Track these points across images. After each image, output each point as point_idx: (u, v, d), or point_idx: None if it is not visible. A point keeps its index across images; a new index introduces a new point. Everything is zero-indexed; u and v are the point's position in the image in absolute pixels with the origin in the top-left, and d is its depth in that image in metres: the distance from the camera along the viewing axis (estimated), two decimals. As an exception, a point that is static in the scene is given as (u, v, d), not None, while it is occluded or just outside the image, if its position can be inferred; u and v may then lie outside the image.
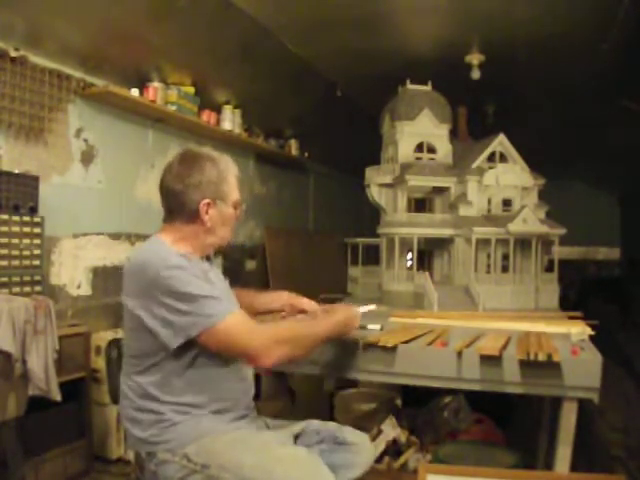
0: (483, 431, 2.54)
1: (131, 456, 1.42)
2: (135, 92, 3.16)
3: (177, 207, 1.46)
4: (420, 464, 1.46)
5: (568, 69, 3.88)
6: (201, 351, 1.36)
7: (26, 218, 2.55)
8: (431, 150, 3.26)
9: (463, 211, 3.05)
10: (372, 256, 3.66)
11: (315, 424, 1.50)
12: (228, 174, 1.51)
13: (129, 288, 1.40)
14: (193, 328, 1.31)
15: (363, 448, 1.49)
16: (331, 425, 1.55)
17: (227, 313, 1.34)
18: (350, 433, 1.52)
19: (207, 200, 1.45)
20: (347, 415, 2.68)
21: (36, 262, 2.59)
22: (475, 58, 3.59)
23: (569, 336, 1.81)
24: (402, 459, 2.35)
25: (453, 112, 3.38)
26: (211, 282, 1.44)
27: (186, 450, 1.30)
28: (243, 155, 4.64)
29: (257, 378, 1.77)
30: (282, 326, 1.52)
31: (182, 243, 1.47)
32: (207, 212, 1.45)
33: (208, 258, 1.56)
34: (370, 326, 2.03)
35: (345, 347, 1.79)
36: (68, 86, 2.88)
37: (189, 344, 1.34)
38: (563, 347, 1.68)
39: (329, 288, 3.80)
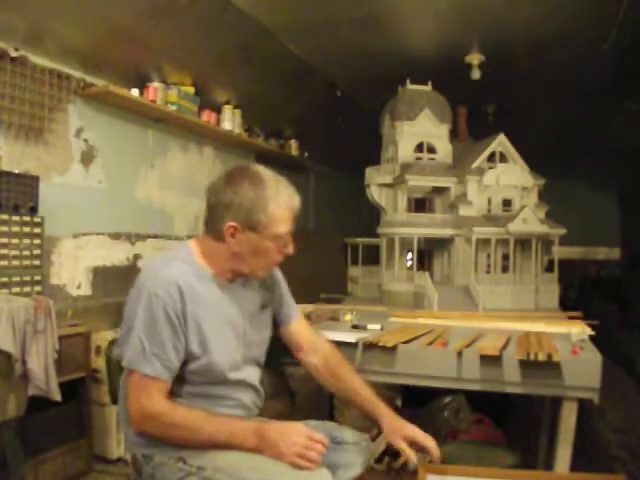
0: (483, 431, 2.54)
1: (128, 458, 1.42)
2: (135, 92, 3.16)
3: (208, 221, 1.36)
4: (420, 464, 1.46)
5: (568, 69, 3.88)
6: (188, 373, 1.33)
7: (26, 218, 2.55)
8: (431, 150, 3.26)
9: (463, 211, 3.05)
10: (372, 256, 3.66)
11: (313, 424, 1.49)
12: (270, 203, 1.30)
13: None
14: (120, 353, 1.32)
15: (362, 448, 1.49)
16: (329, 424, 1.55)
17: (139, 368, 1.25)
18: (349, 432, 1.52)
19: (233, 224, 1.30)
20: (347, 415, 2.68)
21: (36, 262, 2.59)
22: (475, 58, 3.59)
23: (569, 336, 1.81)
24: (402, 459, 2.34)
25: (453, 112, 3.38)
26: (194, 324, 1.30)
27: (182, 453, 1.30)
28: (243, 155, 4.64)
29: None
30: (175, 411, 1.26)
31: (210, 258, 1.37)
32: (233, 236, 1.31)
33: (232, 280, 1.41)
34: (370, 326, 2.03)
35: (345, 347, 1.79)
36: (68, 86, 2.88)
37: None
38: (563, 347, 1.68)
39: (329, 288, 3.81)
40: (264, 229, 1.31)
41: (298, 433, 1.24)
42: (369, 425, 2.40)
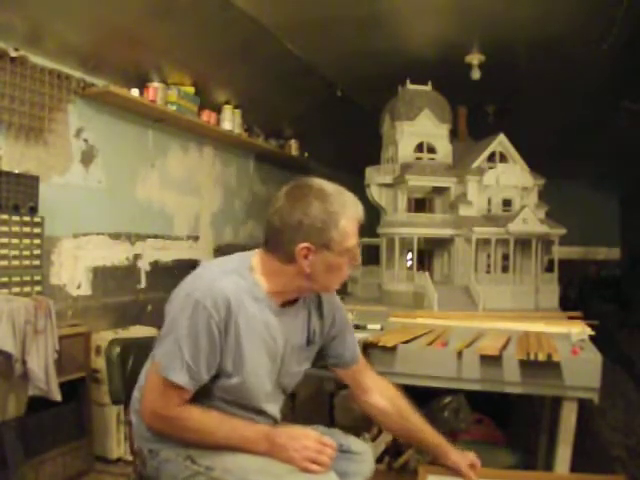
0: (483, 431, 2.54)
1: (134, 449, 1.41)
2: (135, 92, 3.16)
3: (274, 243, 1.29)
4: (420, 464, 1.47)
5: (568, 69, 3.87)
6: (216, 388, 1.31)
7: (26, 218, 2.55)
8: (431, 150, 3.26)
9: (463, 211, 3.05)
10: (372, 256, 3.65)
11: (321, 430, 1.47)
12: (341, 218, 1.25)
13: None
14: (154, 349, 1.30)
15: (366, 458, 1.49)
16: (336, 432, 1.53)
17: (168, 373, 1.22)
18: (354, 442, 1.51)
19: (306, 244, 1.24)
20: (347, 415, 2.68)
21: (36, 262, 2.59)
22: (475, 58, 3.59)
23: (569, 336, 1.81)
24: (402, 459, 2.34)
25: (453, 112, 3.38)
26: (241, 342, 1.26)
27: (190, 451, 1.30)
28: (243, 155, 4.64)
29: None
30: (189, 414, 1.25)
31: (272, 278, 1.31)
32: (306, 257, 1.26)
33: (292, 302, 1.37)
34: (370, 326, 2.03)
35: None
36: (68, 86, 2.88)
37: None
38: (563, 347, 1.68)
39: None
40: (337, 245, 1.27)
41: (308, 437, 1.24)
42: (369, 425, 2.40)
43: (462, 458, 1.52)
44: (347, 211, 1.27)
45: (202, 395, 1.30)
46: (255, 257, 1.34)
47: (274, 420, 1.41)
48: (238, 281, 1.28)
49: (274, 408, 1.41)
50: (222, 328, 1.24)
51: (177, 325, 1.24)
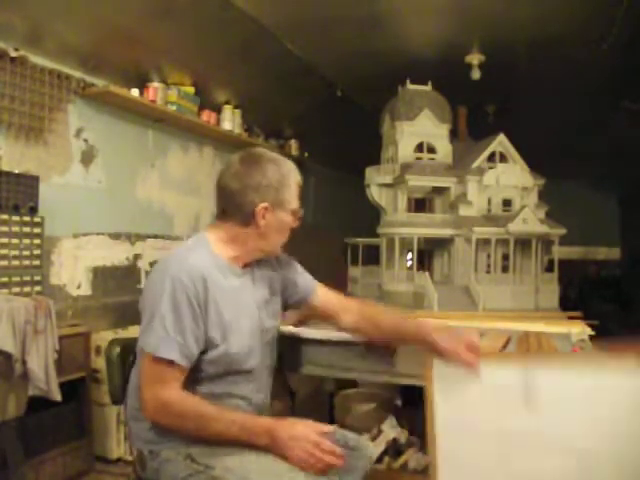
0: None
1: (134, 452, 1.41)
2: (135, 92, 3.16)
3: (232, 208, 1.39)
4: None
5: (568, 69, 3.88)
6: (206, 363, 1.34)
7: (26, 218, 2.55)
8: (431, 150, 3.27)
9: (463, 211, 3.05)
10: (372, 256, 3.65)
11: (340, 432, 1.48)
12: (290, 180, 1.41)
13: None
14: (139, 338, 1.32)
15: (364, 454, 1.49)
16: (333, 428, 1.53)
17: (161, 353, 1.25)
18: (352, 438, 1.51)
19: (265, 204, 1.37)
20: (347, 415, 2.68)
21: (36, 262, 2.59)
22: (475, 58, 3.59)
23: (569, 336, 1.81)
24: (402, 459, 2.34)
25: (453, 112, 3.38)
26: (220, 310, 1.33)
27: (190, 450, 1.30)
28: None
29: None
30: (189, 402, 1.28)
31: (230, 246, 1.41)
32: (264, 217, 1.38)
33: (251, 265, 1.46)
34: None
35: (345, 347, 1.79)
36: (68, 86, 2.88)
37: None
38: (563, 347, 1.67)
39: (329, 288, 3.80)
40: (288, 205, 1.41)
41: (308, 440, 1.23)
42: (369, 425, 2.40)
43: (455, 342, 1.33)
44: (293, 175, 1.43)
45: (193, 377, 1.32)
46: (208, 232, 1.43)
47: (268, 376, 1.49)
48: (202, 255, 1.36)
49: (263, 364, 1.46)
50: (201, 301, 1.30)
51: (158, 307, 1.28)
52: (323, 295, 1.66)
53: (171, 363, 1.26)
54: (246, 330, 1.40)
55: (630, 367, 1.15)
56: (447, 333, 1.37)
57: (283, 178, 1.40)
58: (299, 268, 1.67)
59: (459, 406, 1.29)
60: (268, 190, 1.37)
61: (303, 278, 1.65)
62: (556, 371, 1.24)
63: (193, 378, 1.33)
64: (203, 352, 1.33)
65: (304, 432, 1.25)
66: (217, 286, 1.34)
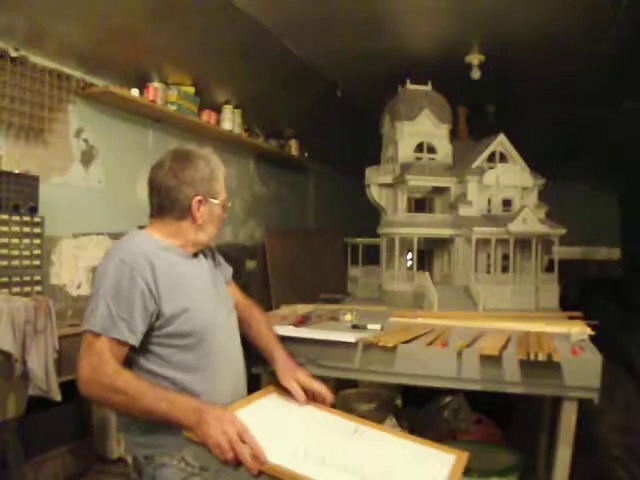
0: (483, 431, 2.54)
1: (129, 460, 1.41)
2: (135, 92, 3.16)
3: (169, 203, 1.45)
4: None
5: (568, 69, 3.88)
6: (169, 337, 1.36)
7: (26, 218, 2.55)
8: (431, 150, 3.26)
9: (463, 211, 3.05)
10: (372, 256, 3.65)
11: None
12: (219, 172, 1.51)
13: None
14: (83, 321, 1.33)
15: None
16: None
17: (105, 332, 1.27)
18: None
19: (199, 197, 1.45)
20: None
21: (36, 262, 2.59)
22: (475, 58, 3.59)
23: (569, 336, 1.81)
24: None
25: (453, 112, 3.38)
26: (175, 289, 1.37)
27: (184, 453, 1.30)
28: (243, 155, 4.64)
29: (257, 378, 1.78)
30: (122, 376, 1.26)
31: (172, 239, 1.46)
32: (199, 209, 1.45)
33: (196, 255, 1.54)
34: (370, 326, 2.03)
35: (345, 347, 1.79)
36: (68, 86, 2.88)
37: (143, 342, 1.34)
38: (563, 347, 1.67)
39: (329, 288, 3.80)
40: (217, 195, 1.50)
41: (232, 424, 1.19)
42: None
43: (287, 370, 1.52)
44: (220, 167, 1.53)
45: (164, 355, 1.35)
46: (147, 229, 1.48)
47: (233, 334, 1.54)
48: (142, 240, 1.43)
49: (229, 333, 1.52)
50: (149, 278, 1.33)
51: (101, 288, 1.31)
52: (232, 287, 1.74)
53: (115, 341, 1.27)
54: (210, 302, 1.47)
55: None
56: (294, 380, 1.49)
57: (212, 172, 1.49)
58: (221, 258, 1.74)
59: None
60: (200, 184, 1.46)
61: (226, 264, 1.73)
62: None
63: (164, 352, 1.35)
64: (163, 326, 1.35)
65: (231, 417, 1.22)
66: (165, 264, 1.38)
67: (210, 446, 1.17)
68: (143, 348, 1.34)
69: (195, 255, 1.53)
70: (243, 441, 1.16)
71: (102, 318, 1.28)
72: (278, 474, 1.12)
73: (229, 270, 1.72)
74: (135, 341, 1.30)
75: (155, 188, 1.48)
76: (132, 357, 1.34)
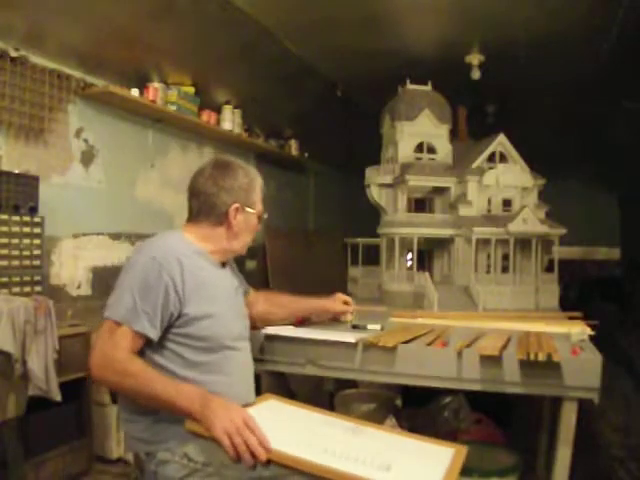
0: (483, 431, 2.54)
1: (130, 457, 1.42)
2: (135, 92, 3.17)
3: (207, 208, 1.50)
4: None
5: (568, 69, 3.88)
6: (190, 338, 1.38)
7: (26, 218, 2.55)
8: (431, 150, 3.26)
9: (463, 211, 3.05)
10: (372, 256, 3.65)
11: None
12: (256, 184, 1.58)
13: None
14: (106, 310, 1.35)
15: None
16: None
17: (128, 323, 1.30)
18: None
19: (237, 205, 1.50)
20: (347, 415, 2.68)
21: (36, 262, 2.59)
22: (475, 58, 3.59)
23: (569, 336, 1.81)
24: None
25: (453, 112, 3.38)
26: (201, 295, 1.40)
27: (186, 449, 1.30)
28: (243, 155, 4.64)
29: (257, 377, 1.78)
30: (135, 362, 1.29)
31: (205, 243, 1.50)
32: (235, 217, 1.50)
33: (224, 264, 1.58)
34: (370, 326, 2.03)
35: (345, 347, 1.79)
36: (68, 86, 2.88)
37: (162, 338, 1.36)
38: (563, 347, 1.67)
39: (329, 288, 3.80)
40: (255, 206, 1.57)
41: (238, 413, 1.18)
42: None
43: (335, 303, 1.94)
44: (258, 180, 1.60)
45: (179, 352, 1.37)
46: (184, 231, 1.52)
47: (245, 353, 1.56)
48: (176, 240, 1.47)
49: (244, 345, 1.55)
50: (176, 278, 1.35)
51: (129, 280, 1.34)
52: (254, 296, 1.84)
53: (135, 333, 1.30)
54: (231, 311, 1.51)
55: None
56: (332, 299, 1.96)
57: (251, 182, 1.56)
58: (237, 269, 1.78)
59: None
60: (239, 192, 1.52)
61: (241, 277, 1.78)
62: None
63: (180, 349, 1.37)
64: (184, 325, 1.37)
65: (237, 406, 1.22)
66: (194, 267, 1.41)
67: (216, 434, 1.15)
68: (159, 344, 1.36)
69: (223, 265, 1.57)
70: (252, 430, 1.16)
71: (126, 309, 1.31)
72: (285, 460, 1.13)
73: (244, 282, 1.78)
74: (155, 335, 1.33)
75: (195, 194, 1.52)
76: (146, 352, 1.36)
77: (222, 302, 1.48)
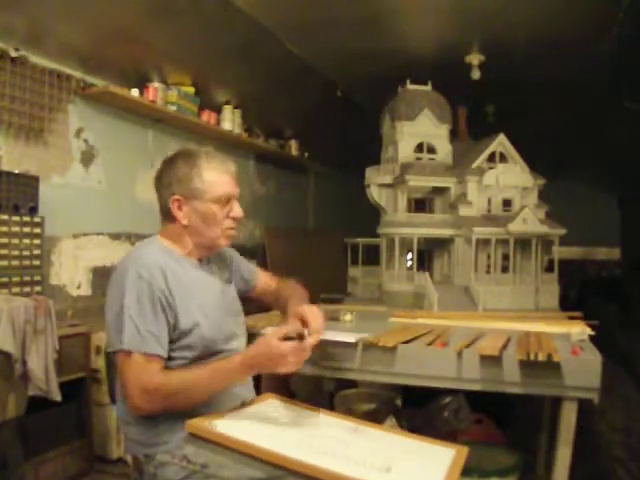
0: (483, 431, 2.54)
1: (129, 459, 1.41)
2: (135, 92, 3.16)
3: (160, 208, 1.49)
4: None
5: (568, 69, 3.87)
6: (181, 349, 1.37)
7: (26, 218, 2.55)
8: (431, 150, 3.26)
9: (463, 211, 3.05)
10: (372, 256, 3.65)
11: None
12: (204, 170, 1.43)
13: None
14: (110, 343, 1.34)
15: None
16: None
17: (137, 349, 1.29)
18: None
19: (176, 197, 1.42)
20: (347, 415, 2.68)
21: (36, 262, 2.59)
22: (475, 58, 3.59)
23: (569, 336, 1.81)
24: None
25: (453, 112, 3.38)
26: (185, 297, 1.38)
27: (185, 451, 1.30)
28: (243, 155, 4.64)
29: (257, 378, 1.78)
30: (172, 377, 1.30)
31: (175, 243, 1.47)
32: (179, 209, 1.43)
33: (201, 260, 1.52)
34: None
35: (345, 347, 1.79)
36: (68, 86, 2.88)
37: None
38: (563, 347, 1.67)
39: (329, 288, 3.80)
40: (203, 194, 1.42)
41: (277, 348, 1.27)
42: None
43: (307, 312, 1.46)
44: (210, 164, 1.44)
45: (171, 363, 1.35)
46: (158, 235, 1.51)
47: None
48: (154, 250, 1.44)
49: (238, 344, 1.52)
50: (165, 291, 1.35)
51: (123, 306, 1.31)
52: (266, 278, 1.79)
53: (149, 356, 1.29)
54: (218, 313, 1.46)
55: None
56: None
57: (192, 169, 1.42)
58: (239, 256, 1.74)
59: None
60: (177, 184, 1.42)
61: (247, 264, 1.75)
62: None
63: (173, 364, 1.36)
64: (177, 339, 1.36)
65: (268, 345, 1.28)
66: (177, 276, 1.39)
67: (288, 371, 1.29)
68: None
69: (200, 260, 1.51)
70: (292, 349, 1.27)
71: (130, 336, 1.29)
72: (284, 462, 1.16)
73: (250, 268, 1.74)
74: (164, 353, 1.33)
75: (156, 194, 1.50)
76: None
77: (208, 305, 1.44)
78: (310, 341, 1.33)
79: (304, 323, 1.42)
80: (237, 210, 1.48)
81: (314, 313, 1.45)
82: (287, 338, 1.30)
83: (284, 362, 1.29)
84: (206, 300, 1.45)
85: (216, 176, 1.44)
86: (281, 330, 1.32)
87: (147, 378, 1.28)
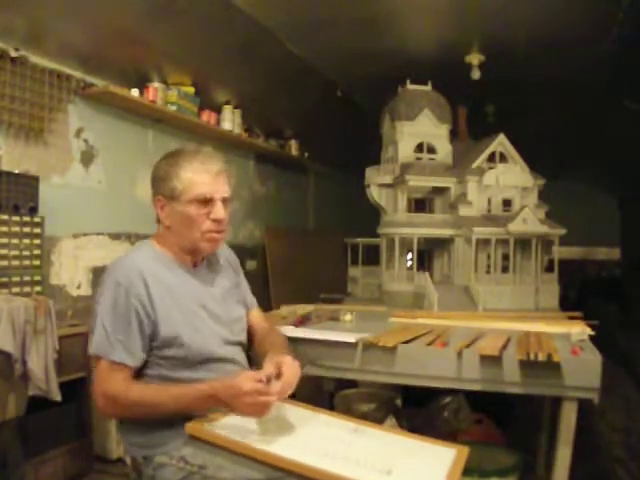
0: (483, 431, 2.54)
1: (128, 461, 1.42)
2: (135, 92, 3.16)
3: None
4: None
5: (568, 69, 3.87)
6: (167, 358, 1.36)
7: (26, 218, 2.55)
8: (431, 150, 3.26)
9: (463, 211, 3.05)
10: (372, 256, 3.65)
11: None
12: (182, 170, 1.38)
13: None
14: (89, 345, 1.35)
15: None
16: None
17: (103, 355, 1.30)
18: None
19: (158, 197, 1.41)
20: (347, 415, 2.68)
21: (36, 262, 2.59)
22: (475, 58, 3.59)
23: (569, 336, 1.81)
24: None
25: (453, 112, 3.38)
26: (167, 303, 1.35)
27: (183, 452, 1.30)
28: (243, 155, 4.64)
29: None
30: (133, 390, 1.29)
31: (165, 244, 1.45)
32: (162, 209, 1.41)
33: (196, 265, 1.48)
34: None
35: (345, 347, 1.79)
36: (68, 86, 2.88)
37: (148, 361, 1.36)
38: (563, 347, 1.67)
39: (329, 288, 3.80)
40: (181, 194, 1.37)
41: (248, 392, 1.22)
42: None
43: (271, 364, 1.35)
44: (191, 164, 1.39)
45: (156, 370, 1.35)
46: (152, 236, 1.48)
47: (235, 363, 1.47)
48: (143, 252, 1.41)
49: (237, 356, 1.48)
50: (144, 299, 1.32)
51: (100, 311, 1.32)
52: (258, 313, 1.70)
53: (115, 364, 1.29)
54: (206, 323, 1.41)
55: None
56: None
57: (170, 169, 1.39)
58: (246, 284, 1.70)
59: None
60: (159, 184, 1.41)
61: (247, 287, 1.70)
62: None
63: (159, 369, 1.36)
64: (160, 347, 1.34)
65: (240, 386, 1.22)
66: (162, 281, 1.36)
67: (243, 416, 1.26)
68: (148, 364, 1.36)
69: (195, 265, 1.47)
70: (261, 393, 1.22)
71: (99, 341, 1.30)
72: (284, 464, 1.16)
73: (252, 301, 1.69)
74: (133, 362, 1.31)
75: None
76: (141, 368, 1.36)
77: (196, 312, 1.40)
78: (275, 387, 1.26)
79: (279, 374, 1.32)
80: (218, 212, 1.39)
81: (292, 367, 1.35)
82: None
83: (242, 401, 1.22)
84: (194, 307, 1.40)
85: (194, 176, 1.37)
86: (259, 374, 1.26)
87: (108, 385, 1.29)
